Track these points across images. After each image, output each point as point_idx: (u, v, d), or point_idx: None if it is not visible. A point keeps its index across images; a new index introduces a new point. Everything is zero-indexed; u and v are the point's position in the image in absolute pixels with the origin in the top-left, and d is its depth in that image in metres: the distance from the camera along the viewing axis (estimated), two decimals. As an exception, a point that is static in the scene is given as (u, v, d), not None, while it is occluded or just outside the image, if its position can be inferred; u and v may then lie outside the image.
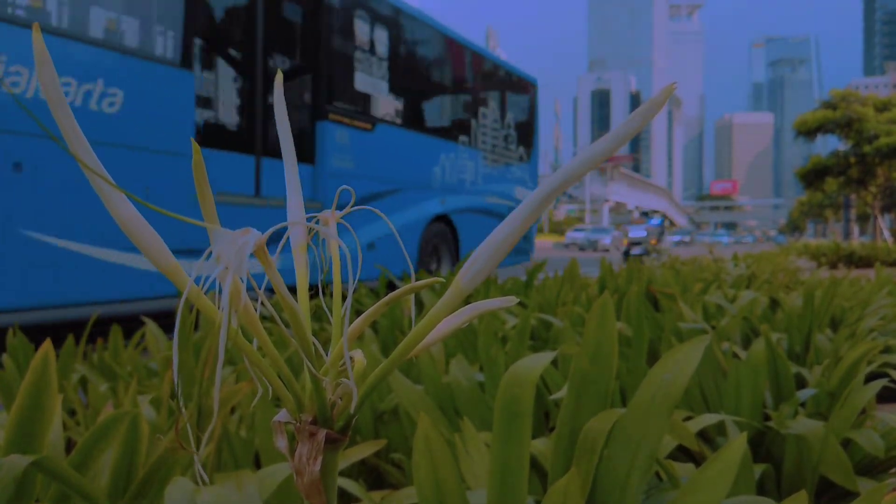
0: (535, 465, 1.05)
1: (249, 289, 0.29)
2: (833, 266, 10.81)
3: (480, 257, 0.31)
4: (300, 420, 0.32)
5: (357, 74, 5.61)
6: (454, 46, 7.31)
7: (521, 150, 8.84)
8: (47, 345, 0.86)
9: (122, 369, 1.71)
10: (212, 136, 5.02)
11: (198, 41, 4.51)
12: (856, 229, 27.15)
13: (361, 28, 5.66)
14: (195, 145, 0.28)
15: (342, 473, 1.19)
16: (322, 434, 0.32)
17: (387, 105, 6.08)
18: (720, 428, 1.30)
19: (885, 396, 1.89)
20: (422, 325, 0.32)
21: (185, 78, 4.03)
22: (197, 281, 0.28)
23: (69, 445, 1.33)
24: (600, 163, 0.28)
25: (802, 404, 1.48)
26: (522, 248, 8.78)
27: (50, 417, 0.84)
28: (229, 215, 4.26)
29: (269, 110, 4.90)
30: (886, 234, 20.91)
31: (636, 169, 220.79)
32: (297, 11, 5.39)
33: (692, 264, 4.61)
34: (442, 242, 7.00)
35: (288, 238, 0.37)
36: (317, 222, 0.37)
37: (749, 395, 1.28)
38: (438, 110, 7.30)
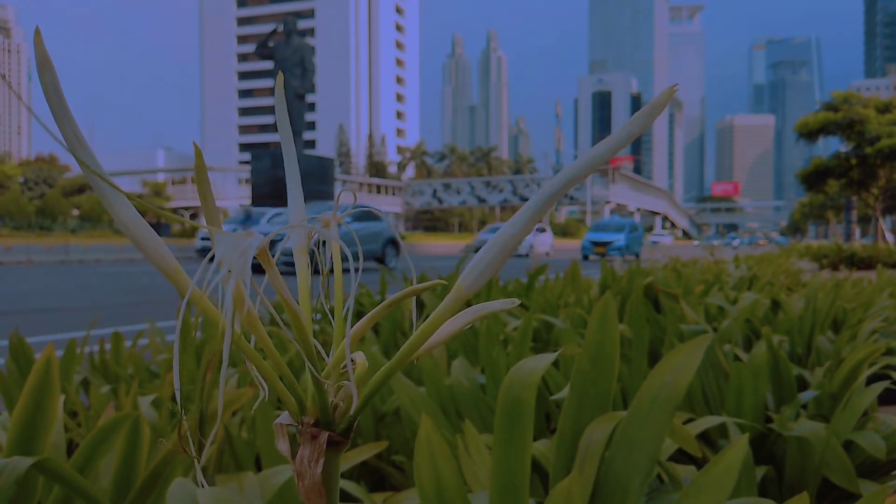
0: (537, 466, 1.05)
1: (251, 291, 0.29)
2: (834, 268, 10.80)
3: (483, 260, 0.31)
4: (302, 422, 0.32)
5: None
6: None
7: None
8: (50, 348, 0.86)
9: (124, 371, 1.71)
10: None
11: None
12: (857, 231, 27.00)
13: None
14: (197, 149, 0.28)
15: (343, 475, 1.19)
16: (324, 436, 0.32)
17: None
18: (722, 430, 1.30)
19: (887, 398, 1.89)
20: (424, 328, 0.32)
21: None
22: (200, 283, 0.28)
23: (71, 447, 1.33)
24: (603, 164, 0.28)
25: (804, 406, 1.47)
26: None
27: (52, 419, 0.84)
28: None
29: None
30: (888, 235, 20.88)
31: (637, 171, 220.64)
32: None
33: (693, 266, 4.60)
34: None
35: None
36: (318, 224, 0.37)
37: (751, 396, 1.28)
38: None
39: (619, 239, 20.68)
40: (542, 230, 26.76)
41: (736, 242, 60.28)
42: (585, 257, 20.60)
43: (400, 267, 13.13)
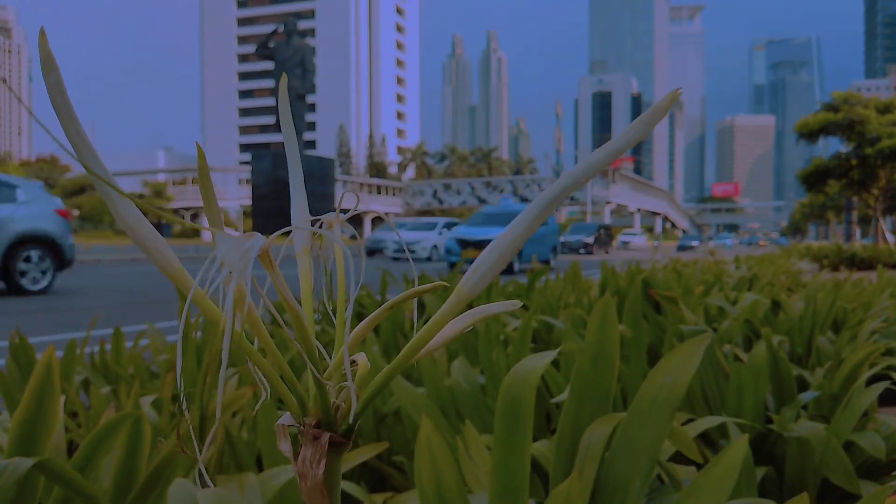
0: (537, 467, 1.05)
1: (253, 292, 0.29)
2: (835, 268, 10.80)
3: (485, 262, 0.31)
4: (304, 423, 0.33)
5: None
6: None
7: None
8: (51, 350, 0.87)
9: (124, 371, 1.71)
10: None
11: None
12: (857, 231, 26.84)
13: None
14: (200, 150, 0.29)
15: (344, 476, 1.19)
16: (326, 437, 0.32)
17: None
18: (722, 430, 1.30)
19: (888, 399, 1.89)
20: (426, 330, 0.32)
21: None
22: (201, 284, 0.28)
23: (71, 447, 1.34)
24: (604, 168, 0.28)
25: (804, 407, 1.47)
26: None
27: (53, 420, 0.84)
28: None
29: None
30: (888, 236, 20.87)
31: (638, 171, 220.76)
32: None
33: (694, 266, 4.60)
34: None
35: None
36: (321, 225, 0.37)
37: (751, 397, 1.28)
38: None
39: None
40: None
41: (710, 244, 44.54)
42: (451, 265, 12.73)
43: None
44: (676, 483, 0.84)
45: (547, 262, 14.40)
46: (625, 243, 43.33)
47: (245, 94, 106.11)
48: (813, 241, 37.82)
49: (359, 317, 2.34)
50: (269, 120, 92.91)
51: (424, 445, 0.73)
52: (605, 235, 30.50)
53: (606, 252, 29.45)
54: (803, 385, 1.68)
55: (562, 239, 28.06)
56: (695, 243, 42.73)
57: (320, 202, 20.08)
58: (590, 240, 27.83)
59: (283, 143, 0.40)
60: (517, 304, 0.34)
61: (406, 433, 1.31)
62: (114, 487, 0.89)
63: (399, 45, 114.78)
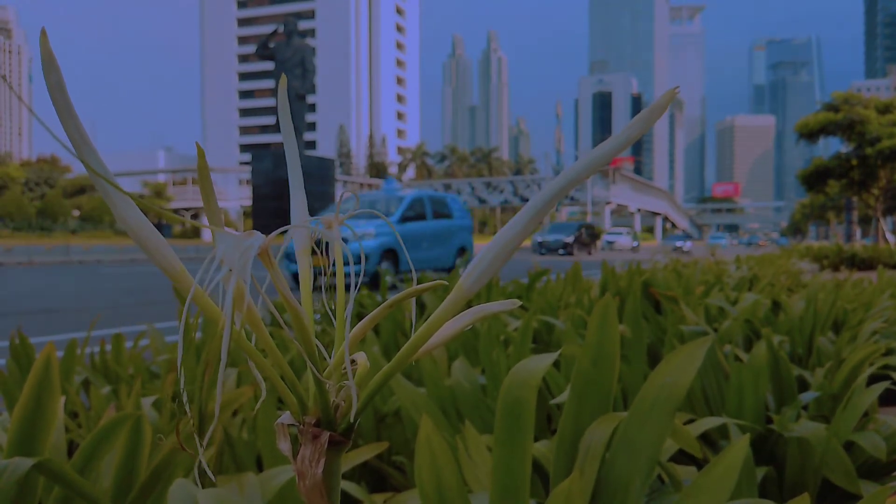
0: (537, 467, 1.05)
1: (252, 290, 0.29)
2: (835, 268, 10.80)
3: (483, 260, 0.31)
4: (303, 422, 0.33)
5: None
6: None
7: None
8: (50, 347, 0.87)
9: (124, 371, 1.71)
10: None
11: None
12: (858, 232, 26.69)
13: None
14: (199, 150, 0.29)
15: (344, 476, 1.19)
16: (325, 436, 0.32)
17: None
18: (722, 430, 1.30)
19: (888, 399, 1.89)
20: (425, 329, 0.32)
21: None
22: (201, 283, 0.28)
23: (71, 448, 1.34)
24: (602, 166, 0.28)
25: (805, 407, 1.47)
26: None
27: (52, 420, 0.84)
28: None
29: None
30: (888, 236, 20.86)
31: (638, 171, 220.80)
32: None
33: (694, 266, 4.60)
34: None
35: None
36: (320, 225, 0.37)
37: (751, 397, 1.28)
38: None
39: (368, 235, 9.07)
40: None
41: (686, 245, 34.33)
42: (293, 276, 8.30)
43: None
44: (677, 483, 0.84)
45: (450, 269, 10.54)
46: (609, 243, 38.03)
47: (245, 95, 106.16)
48: (813, 242, 37.07)
49: (359, 317, 2.34)
50: (270, 120, 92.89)
51: (425, 445, 0.73)
52: (588, 235, 27.84)
53: (589, 253, 26.99)
54: (803, 385, 1.68)
55: (539, 239, 26.28)
56: (679, 243, 34.25)
57: (320, 202, 20.10)
58: (569, 240, 25.66)
59: (283, 144, 0.40)
60: (516, 303, 0.34)
61: (406, 433, 1.31)
62: (114, 487, 0.89)
63: (399, 46, 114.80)
